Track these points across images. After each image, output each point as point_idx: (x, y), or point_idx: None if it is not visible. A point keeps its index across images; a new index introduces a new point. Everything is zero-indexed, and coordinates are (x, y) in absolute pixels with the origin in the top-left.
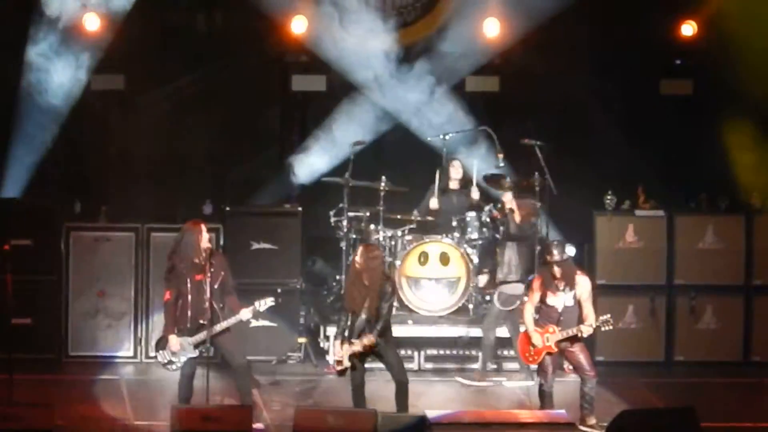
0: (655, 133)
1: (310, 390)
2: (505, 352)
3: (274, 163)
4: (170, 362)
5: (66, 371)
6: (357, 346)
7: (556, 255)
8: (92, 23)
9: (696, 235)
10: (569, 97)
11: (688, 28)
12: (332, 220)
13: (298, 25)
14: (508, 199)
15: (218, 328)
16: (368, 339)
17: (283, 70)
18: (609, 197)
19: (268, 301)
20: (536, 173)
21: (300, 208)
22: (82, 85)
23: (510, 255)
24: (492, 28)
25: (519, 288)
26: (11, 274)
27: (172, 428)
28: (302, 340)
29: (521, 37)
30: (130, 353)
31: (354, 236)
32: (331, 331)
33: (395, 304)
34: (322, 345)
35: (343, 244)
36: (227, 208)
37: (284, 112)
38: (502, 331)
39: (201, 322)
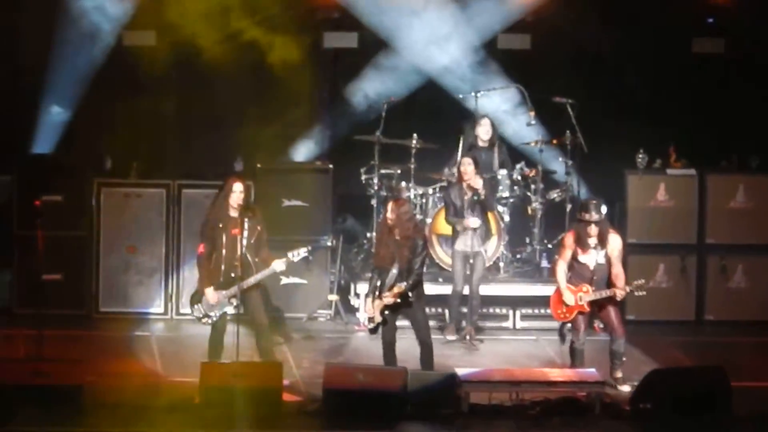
0: (687, 91)
1: (340, 347)
2: (536, 311)
3: (305, 120)
4: (206, 316)
5: (96, 327)
6: (387, 298)
7: (593, 215)
8: None
9: (727, 194)
10: (601, 55)
11: None
12: (363, 177)
13: None
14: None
15: (252, 280)
16: (398, 287)
17: (314, 27)
18: (640, 156)
19: (302, 252)
20: (568, 131)
21: (331, 165)
22: (114, 41)
23: None
24: None
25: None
26: (42, 230)
27: (202, 384)
28: (333, 297)
29: None
30: (161, 309)
31: (385, 194)
32: (361, 288)
33: (426, 260)
34: (352, 302)
35: (373, 202)
36: (258, 165)
37: (316, 69)
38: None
39: (234, 275)
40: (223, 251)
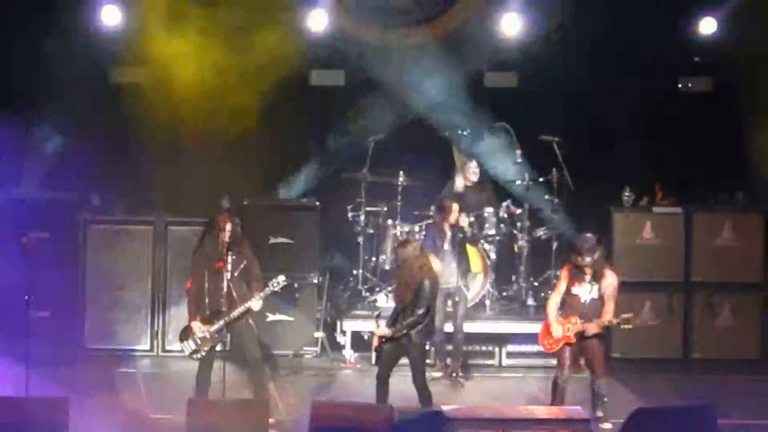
0: (673, 129)
1: (327, 384)
2: (522, 348)
3: (292, 158)
4: (195, 351)
5: (83, 364)
6: (380, 330)
7: (585, 259)
8: (112, 16)
9: (713, 232)
10: (588, 93)
11: (708, 25)
12: (350, 214)
13: (318, 20)
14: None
15: (234, 314)
16: (384, 330)
17: (302, 65)
18: (627, 194)
19: (280, 280)
20: (554, 169)
21: (317, 203)
22: (102, 78)
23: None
24: (512, 25)
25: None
26: (29, 267)
27: (189, 421)
28: (319, 334)
29: (540, 33)
30: (148, 347)
31: (371, 231)
32: (348, 325)
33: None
34: (338, 339)
35: (360, 239)
36: (245, 202)
37: (303, 107)
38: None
39: (219, 309)
40: (206, 285)
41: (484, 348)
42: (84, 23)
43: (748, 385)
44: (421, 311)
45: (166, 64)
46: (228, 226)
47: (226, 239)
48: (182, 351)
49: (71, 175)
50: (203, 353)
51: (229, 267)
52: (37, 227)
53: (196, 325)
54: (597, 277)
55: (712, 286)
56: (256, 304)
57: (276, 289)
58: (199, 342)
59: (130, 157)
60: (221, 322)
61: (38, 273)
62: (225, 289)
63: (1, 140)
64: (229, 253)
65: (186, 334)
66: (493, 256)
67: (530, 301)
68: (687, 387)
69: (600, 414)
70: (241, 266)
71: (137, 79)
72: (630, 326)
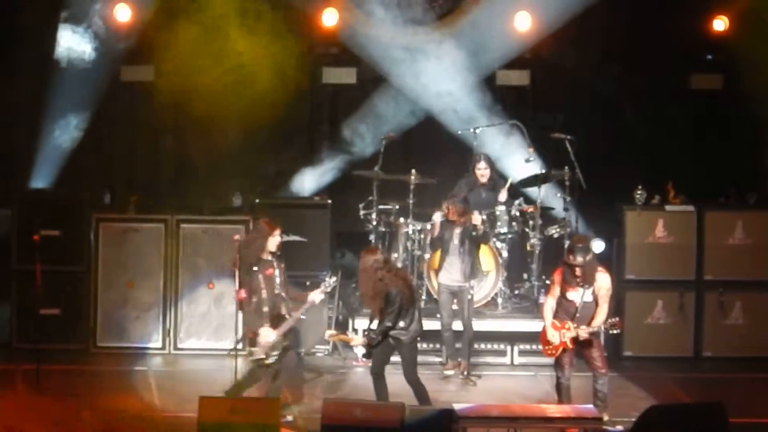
0: (685, 127)
1: (338, 382)
2: (534, 346)
3: (304, 156)
4: (266, 356)
5: (94, 362)
6: (355, 340)
7: (578, 258)
8: (123, 14)
9: (725, 230)
10: (599, 91)
11: (720, 23)
12: (361, 213)
13: (329, 18)
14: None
15: (299, 315)
16: (359, 339)
17: (313, 63)
18: (639, 192)
19: (332, 281)
20: (566, 167)
21: (329, 201)
22: (112, 76)
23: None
24: (523, 22)
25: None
26: (40, 265)
27: (200, 419)
28: (330, 332)
29: (552, 31)
30: (159, 344)
31: (383, 229)
32: (360, 323)
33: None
34: None
35: (372, 237)
36: (257, 200)
37: (314, 105)
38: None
39: (280, 313)
40: (263, 293)
41: (496, 346)
42: (96, 20)
43: (759, 383)
44: (389, 318)
45: (177, 62)
46: (277, 233)
47: (274, 248)
48: (254, 357)
49: (82, 173)
50: (273, 358)
51: (277, 272)
52: (48, 225)
53: (267, 331)
54: (589, 280)
55: (724, 284)
56: (318, 296)
57: (329, 289)
58: (267, 347)
59: (141, 154)
60: (286, 325)
61: (49, 271)
62: (282, 294)
63: (13, 138)
64: (275, 259)
65: (250, 341)
66: (505, 254)
67: (542, 300)
68: (698, 385)
69: (605, 418)
70: (284, 271)
71: (148, 77)
72: (618, 330)
